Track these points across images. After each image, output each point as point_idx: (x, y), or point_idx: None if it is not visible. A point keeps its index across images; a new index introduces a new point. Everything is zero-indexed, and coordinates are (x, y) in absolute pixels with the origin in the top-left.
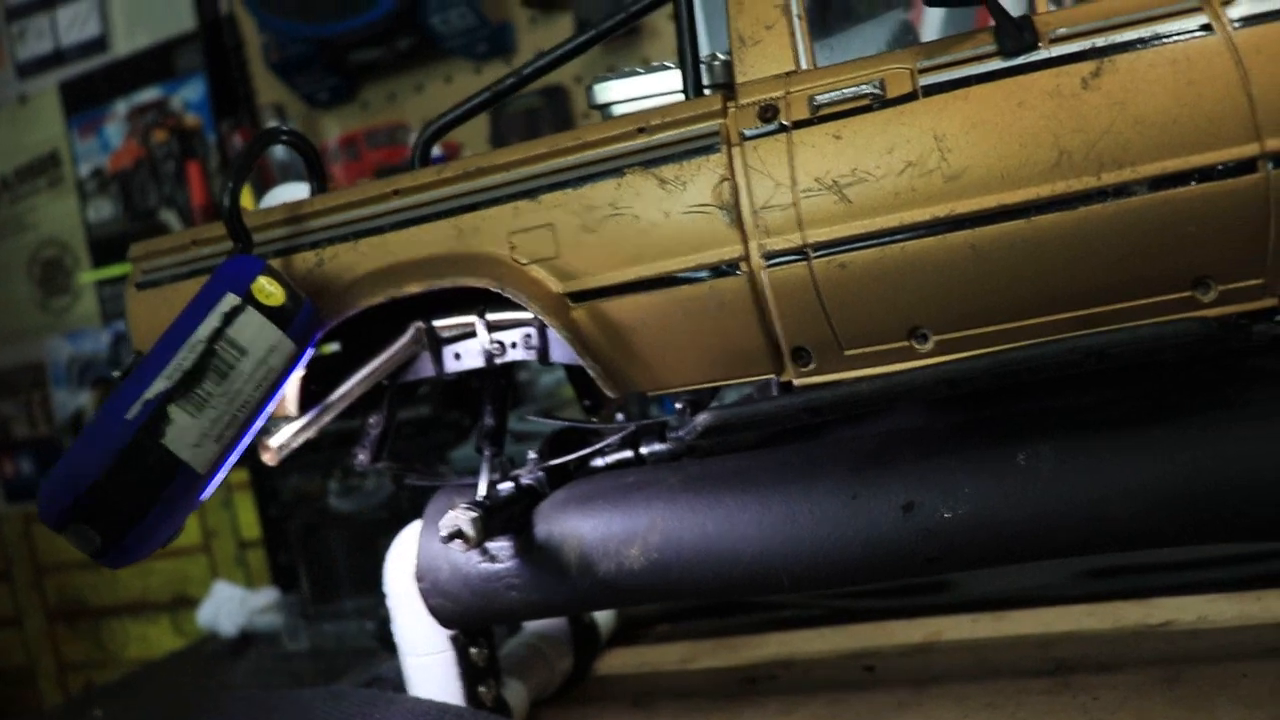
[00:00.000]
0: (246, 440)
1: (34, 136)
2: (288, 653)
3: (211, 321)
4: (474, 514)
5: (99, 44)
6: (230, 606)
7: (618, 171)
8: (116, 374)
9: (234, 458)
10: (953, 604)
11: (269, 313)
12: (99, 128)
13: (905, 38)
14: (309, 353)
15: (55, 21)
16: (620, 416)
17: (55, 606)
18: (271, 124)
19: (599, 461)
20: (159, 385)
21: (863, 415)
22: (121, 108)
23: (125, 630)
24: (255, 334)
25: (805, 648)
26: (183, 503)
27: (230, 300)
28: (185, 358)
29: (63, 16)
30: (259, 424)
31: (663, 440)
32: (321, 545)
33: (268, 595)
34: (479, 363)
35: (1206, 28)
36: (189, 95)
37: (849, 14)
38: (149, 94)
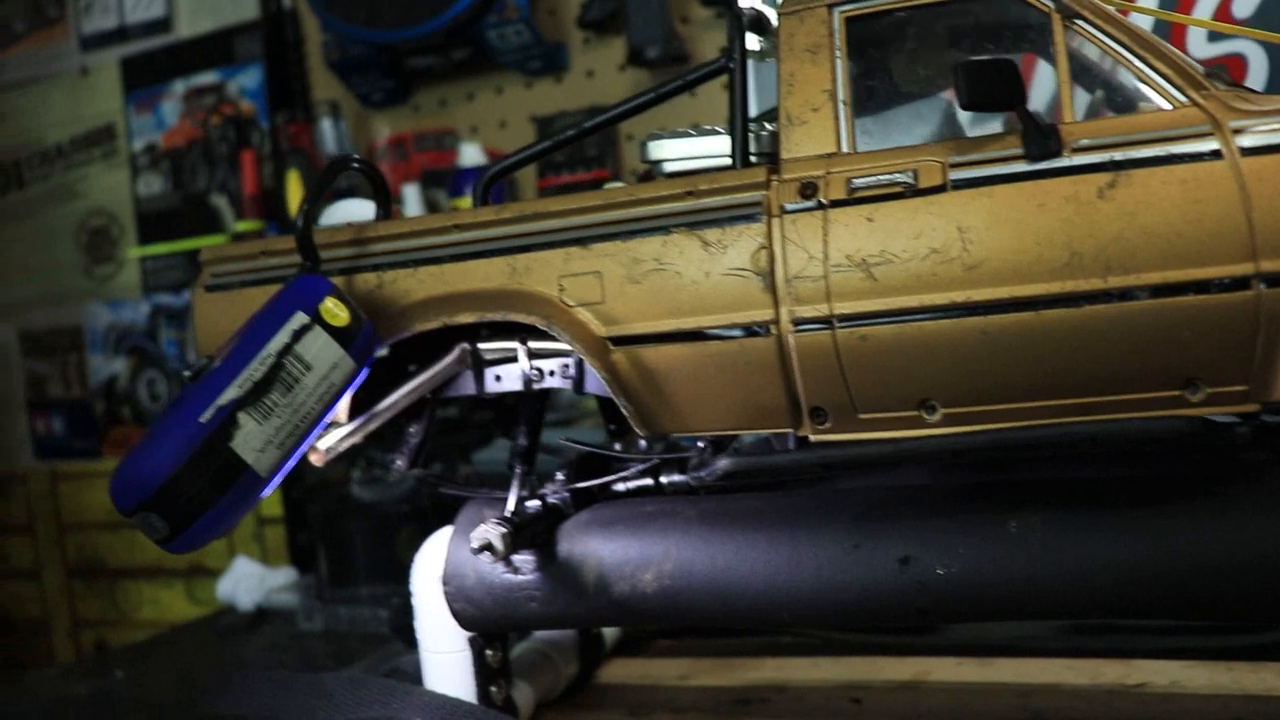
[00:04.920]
0: (304, 448)
1: (92, 108)
2: (301, 632)
3: (282, 337)
4: (504, 529)
5: (163, 24)
6: (250, 582)
7: (665, 229)
8: (186, 374)
9: (292, 463)
10: (941, 646)
11: (334, 332)
12: (155, 105)
13: (946, 120)
14: (366, 370)
15: None
16: (642, 443)
17: (74, 563)
18: (325, 121)
19: (620, 486)
20: (231, 393)
21: (871, 470)
22: (179, 88)
23: (140, 592)
24: (320, 351)
25: (799, 675)
26: (243, 502)
27: (300, 318)
28: (256, 369)
29: None
30: (316, 433)
31: (682, 472)
32: (341, 531)
33: (286, 574)
34: (518, 386)
35: (1216, 153)
36: (245, 82)
37: (894, 95)
38: (207, 77)
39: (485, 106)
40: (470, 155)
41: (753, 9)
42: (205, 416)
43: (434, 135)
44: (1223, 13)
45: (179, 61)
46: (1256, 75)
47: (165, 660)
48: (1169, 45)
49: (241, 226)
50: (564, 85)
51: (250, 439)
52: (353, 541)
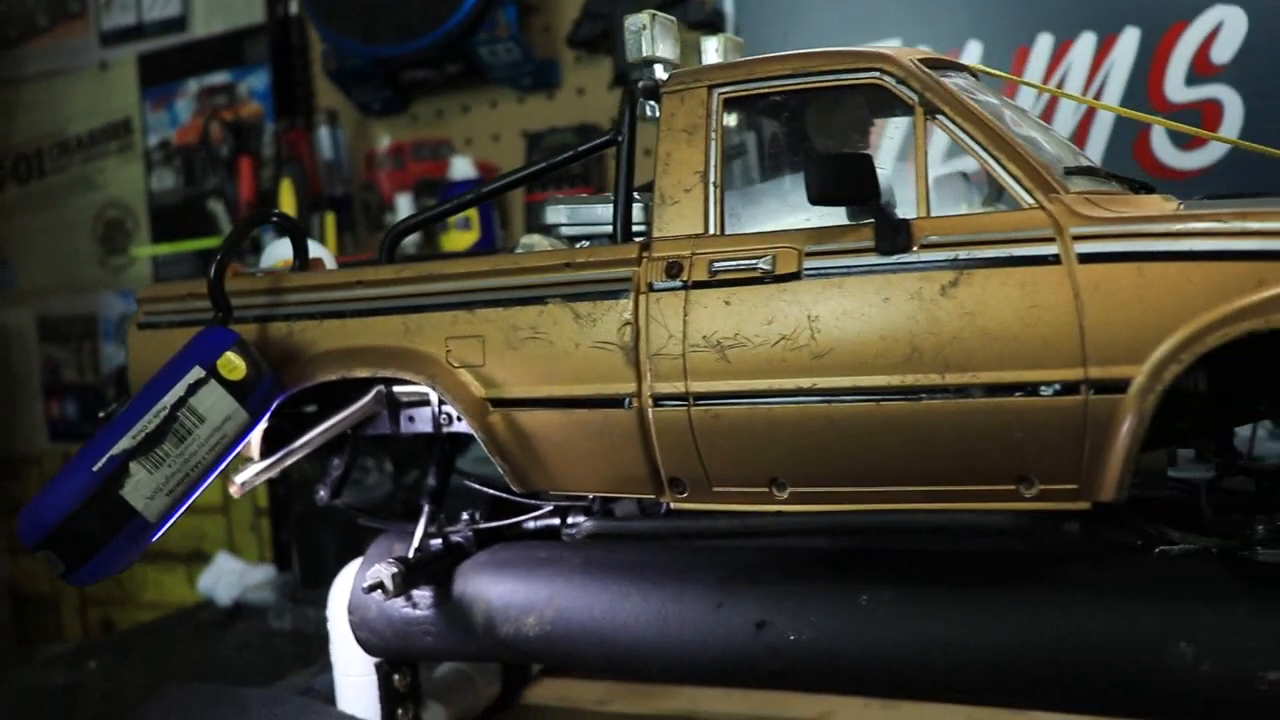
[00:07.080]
0: (195, 495)
1: (110, 103)
2: (272, 631)
3: (178, 390)
4: (395, 570)
5: (179, 23)
6: (229, 579)
7: (542, 300)
8: (102, 415)
9: (182, 509)
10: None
11: (229, 386)
12: (170, 102)
13: None
14: (263, 421)
15: None
16: None
17: None
18: (323, 128)
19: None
20: (124, 443)
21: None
22: (193, 86)
23: (144, 574)
24: (214, 404)
25: (711, 705)
26: (133, 545)
27: (196, 373)
28: (150, 421)
29: None
30: (209, 481)
31: (587, 514)
32: (314, 532)
33: (264, 572)
34: (429, 428)
35: (1055, 258)
36: (256, 84)
37: (765, 177)
38: (219, 77)
39: (479, 120)
40: (460, 168)
41: (651, 80)
42: (98, 465)
43: (430, 145)
44: (1201, 59)
45: (193, 60)
46: (1232, 120)
47: (141, 654)
48: (1029, 145)
49: None
50: (556, 102)
51: (140, 487)
52: (324, 542)
